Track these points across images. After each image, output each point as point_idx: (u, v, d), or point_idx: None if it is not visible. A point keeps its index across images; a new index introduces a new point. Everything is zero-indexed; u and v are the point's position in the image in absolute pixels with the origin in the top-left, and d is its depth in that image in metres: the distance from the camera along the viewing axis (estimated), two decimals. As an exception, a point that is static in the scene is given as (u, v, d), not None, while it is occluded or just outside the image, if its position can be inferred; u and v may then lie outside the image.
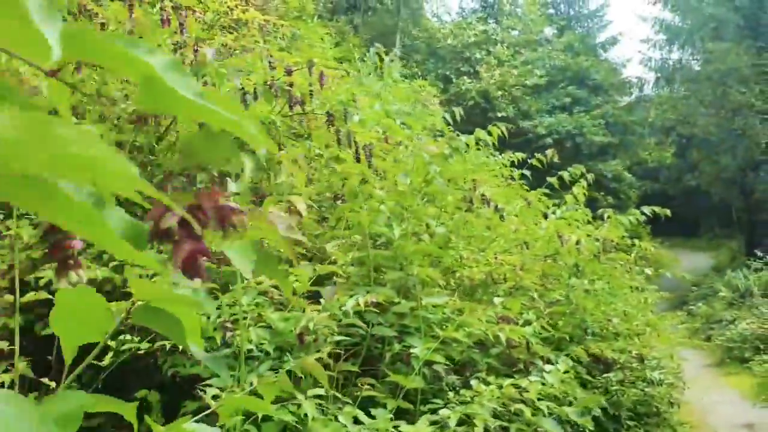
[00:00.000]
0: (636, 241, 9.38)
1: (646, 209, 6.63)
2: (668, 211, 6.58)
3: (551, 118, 21.97)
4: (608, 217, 7.68)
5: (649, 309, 9.68)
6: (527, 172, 6.71)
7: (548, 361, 3.59)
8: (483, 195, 4.45)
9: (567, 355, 4.87)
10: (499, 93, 21.63)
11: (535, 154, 6.13)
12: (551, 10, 30.35)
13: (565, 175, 6.17)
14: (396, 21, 24.67)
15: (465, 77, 22.06)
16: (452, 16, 27.66)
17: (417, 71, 21.99)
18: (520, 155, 8.46)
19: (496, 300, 3.57)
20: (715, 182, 27.63)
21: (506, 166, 8.78)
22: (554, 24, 29.35)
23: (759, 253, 18.78)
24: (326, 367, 2.45)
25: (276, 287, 2.63)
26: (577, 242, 4.61)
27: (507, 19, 24.59)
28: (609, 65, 28.59)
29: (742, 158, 23.03)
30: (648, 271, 7.38)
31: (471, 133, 9.54)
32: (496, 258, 4.26)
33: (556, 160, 6.14)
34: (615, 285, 7.12)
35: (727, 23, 23.83)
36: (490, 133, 4.79)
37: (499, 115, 21.54)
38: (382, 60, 6.12)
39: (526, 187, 7.47)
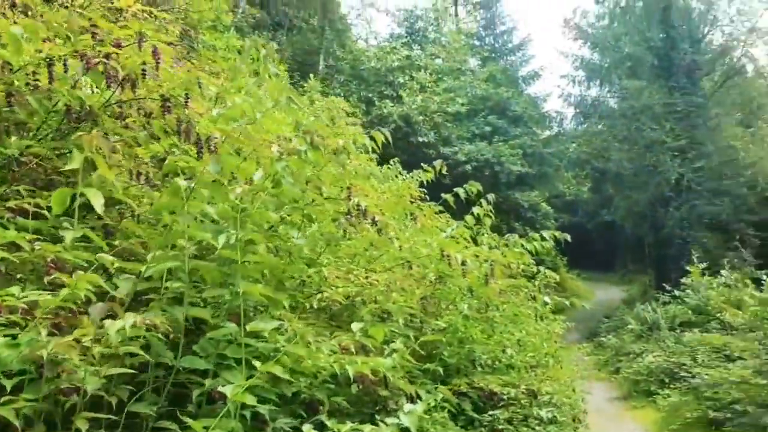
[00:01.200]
0: (541, 269, 9.08)
1: (546, 233, 6.31)
2: (567, 236, 6.28)
3: (471, 146, 21.96)
4: (513, 242, 7.31)
5: (553, 339, 9.36)
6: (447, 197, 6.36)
7: (412, 399, 3.05)
8: (359, 205, 3.90)
9: (450, 390, 4.35)
10: (421, 118, 21.46)
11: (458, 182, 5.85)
12: (476, 42, 30.78)
13: (461, 191, 5.72)
14: (321, 41, 24.30)
15: (388, 100, 21.81)
16: (378, 40, 27.56)
17: (339, 92, 21.62)
18: (429, 175, 8.01)
19: (355, 326, 3.00)
20: (628, 217, 28.40)
21: (411, 186, 8.35)
22: (478, 55, 29.74)
23: (667, 287, 19.14)
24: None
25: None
26: (463, 263, 4.12)
27: (431, 46, 24.62)
28: (530, 98, 29.13)
29: (653, 193, 23.69)
30: (547, 299, 6.99)
31: (393, 156, 8.91)
32: (367, 278, 3.70)
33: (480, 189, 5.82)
34: (515, 313, 6.72)
35: (642, 63, 24.72)
36: (373, 139, 4.26)
37: (421, 140, 21.39)
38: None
39: (438, 209, 7.02)
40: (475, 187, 5.81)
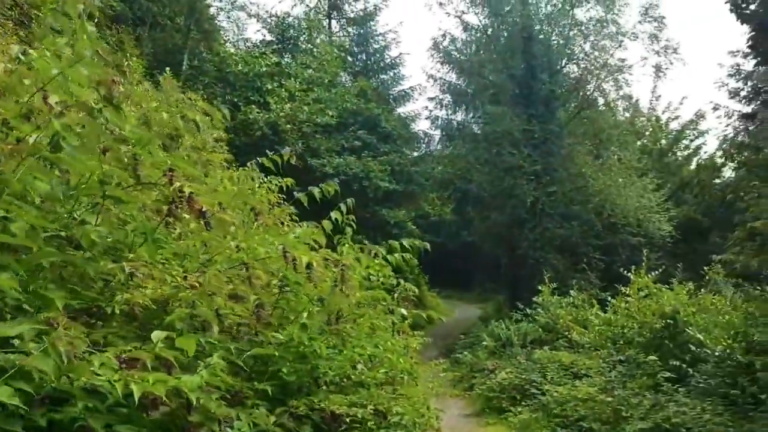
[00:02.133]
0: (400, 281, 8.75)
1: (406, 242, 5.99)
2: (427, 245, 6.05)
3: (340, 159, 21.61)
4: (375, 254, 6.95)
5: (410, 355, 9.03)
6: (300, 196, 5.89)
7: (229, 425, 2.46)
8: (181, 192, 3.26)
9: (286, 411, 3.78)
10: (289, 127, 20.81)
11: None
12: (348, 57, 30.70)
13: (316, 191, 5.24)
14: (186, 41, 23.02)
15: (254, 106, 20.96)
16: (248, 45, 26.59)
17: (203, 94, 20.46)
18: (290, 180, 7.48)
19: (156, 335, 2.36)
20: (486, 238, 29.39)
21: (272, 191, 7.72)
22: (350, 69, 29.67)
23: (520, 306, 19.79)
24: None
25: None
26: (308, 266, 3.58)
27: (302, 55, 24.11)
28: (400, 118, 29.43)
29: (510, 215, 24.59)
30: (404, 311, 6.65)
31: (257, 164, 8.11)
32: (186, 278, 3.06)
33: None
34: (371, 326, 6.31)
35: (504, 90, 25.76)
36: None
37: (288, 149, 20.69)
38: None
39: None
40: (332, 187, 5.35)
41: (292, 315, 4.33)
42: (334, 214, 5.73)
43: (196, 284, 2.98)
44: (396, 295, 8.45)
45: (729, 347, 10.27)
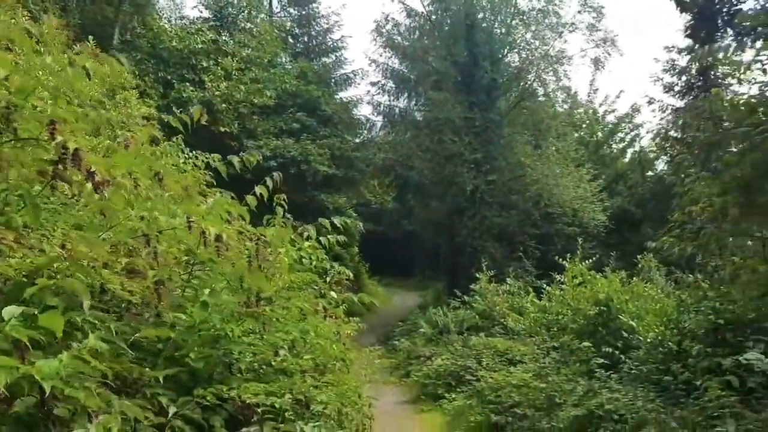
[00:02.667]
0: (334, 265, 8.42)
1: (337, 220, 5.63)
2: (360, 224, 5.75)
3: (278, 142, 20.99)
4: (307, 236, 6.58)
5: (342, 341, 8.70)
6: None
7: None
8: (65, 147, 2.79)
9: (189, 401, 3.37)
10: (224, 106, 20.04)
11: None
12: (290, 39, 29.96)
13: (235, 160, 4.80)
14: (117, 14, 21.86)
15: (188, 84, 20.08)
16: (185, 21, 25.49)
17: (135, 69, 19.47)
18: (217, 156, 6.94)
19: (7, 312, 1.93)
20: (427, 227, 29.35)
21: (199, 168, 7.22)
22: (290, 50, 28.96)
23: (458, 293, 19.75)
24: None
25: None
26: (218, 238, 3.17)
27: (241, 33, 23.26)
28: (342, 102, 28.92)
29: (450, 204, 24.56)
30: (334, 294, 6.33)
31: (193, 145, 7.59)
32: (64, 247, 2.60)
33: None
34: (299, 309, 5.93)
35: (447, 77, 25.62)
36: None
37: (223, 130, 19.98)
38: None
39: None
40: (254, 157, 4.92)
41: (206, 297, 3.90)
42: (258, 189, 5.30)
43: (73, 253, 2.53)
44: (329, 279, 8.11)
45: (661, 334, 10.36)
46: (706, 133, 5.81)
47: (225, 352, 3.67)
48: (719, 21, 22.57)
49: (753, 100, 5.44)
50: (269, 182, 5.40)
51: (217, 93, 19.78)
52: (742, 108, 5.42)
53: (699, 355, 8.17)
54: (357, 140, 29.81)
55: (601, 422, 8.21)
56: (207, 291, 3.45)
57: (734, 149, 5.40)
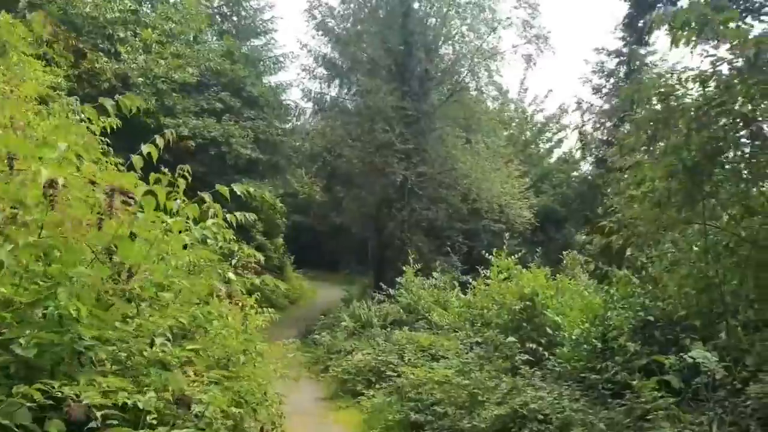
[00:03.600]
0: (242, 245, 7.65)
1: (238, 187, 4.89)
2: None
3: (198, 121, 19.76)
4: (214, 213, 5.80)
5: (251, 332, 7.93)
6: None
7: None
8: None
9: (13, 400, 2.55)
10: (141, 80, 18.68)
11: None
12: (217, 16, 28.60)
13: (108, 103, 3.94)
14: (25, -27, 20.01)
15: (102, 54, 18.58)
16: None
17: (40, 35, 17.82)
18: (116, 121, 5.98)
19: None
20: (356, 219, 28.71)
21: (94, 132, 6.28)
22: (217, 28, 27.60)
23: (383, 286, 19.18)
24: None
25: None
26: (52, 184, 2.38)
27: (164, 6, 21.82)
28: (271, 87, 27.80)
29: (379, 195, 23.99)
30: (232, 275, 5.61)
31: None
32: None
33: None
34: (194, 293, 5.16)
35: (380, 65, 25.00)
36: None
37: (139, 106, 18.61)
38: None
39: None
40: (135, 101, 4.06)
41: (57, 266, 3.07)
42: (146, 149, 4.44)
43: None
44: (234, 262, 7.28)
45: (586, 331, 10.08)
46: (649, 110, 5.40)
47: (72, 338, 2.87)
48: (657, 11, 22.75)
49: (704, 74, 5.05)
50: (159, 140, 4.57)
51: (134, 66, 18.39)
52: (693, 82, 5.03)
53: (631, 353, 7.83)
54: (285, 126, 28.76)
55: (524, 422, 7.77)
56: (26, 258, 2.62)
57: (682, 128, 5.01)
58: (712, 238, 6.57)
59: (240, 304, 6.85)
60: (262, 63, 28.95)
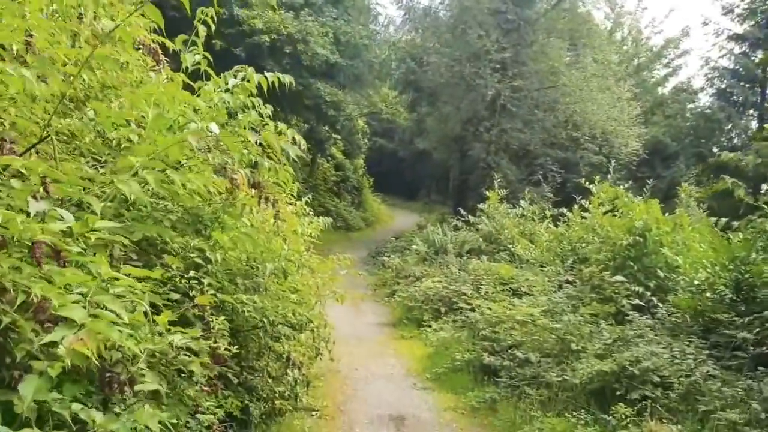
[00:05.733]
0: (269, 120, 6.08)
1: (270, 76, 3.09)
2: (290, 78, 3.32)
3: (274, 14, 17.95)
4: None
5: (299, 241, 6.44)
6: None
7: None
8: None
9: None
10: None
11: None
12: None
13: None
14: None
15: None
16: None
17: None
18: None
19: None
20: (440, 143, 26.71)
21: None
22: None
23: (463, 212, 17.26)
24: None
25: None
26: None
27: None
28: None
29: (466, 112, 21.66)
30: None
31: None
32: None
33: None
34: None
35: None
36: None
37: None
38: None
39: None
40: None
41: None
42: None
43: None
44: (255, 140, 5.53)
45: (715, 275, 7.93)
46: None
47: None
48: None
49: None
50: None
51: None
52: None
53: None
54: (372, 27, 26.47)
55: (633, 383, 5.87)
56: None
57: None
58: None
59: (271, 199, 5.17)
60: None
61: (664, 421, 5.09)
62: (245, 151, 4.81)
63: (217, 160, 4.59)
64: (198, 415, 3.40)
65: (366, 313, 13.20)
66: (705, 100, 27.89)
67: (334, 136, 24.75)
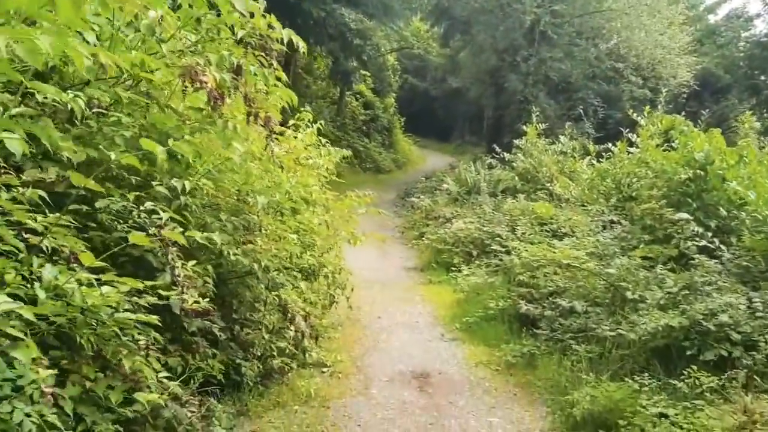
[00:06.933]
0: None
1: None
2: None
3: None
4: None
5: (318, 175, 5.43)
6: None
7: None
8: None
9: None
10: None
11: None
12: None
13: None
14: None
15: None
16: None
17: None
18: None
19: None
20: (474, 80, 25.25)
21: None
22: None
23: (497, 149, 16.06)
24: None
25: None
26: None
27: None
28: None
29: (502, 41, 20.09)
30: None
31: None
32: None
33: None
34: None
35: None
36: None
37: None
38: None
39: None
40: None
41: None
42: None
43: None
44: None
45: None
46: None
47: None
48: None
49: None
50: None
51: None
52: None
53: None
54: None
55: (707, 340, 4.84)
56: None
57: None
58: None
59: (262, 114, 4.19)
60: None
61: (762, 396, 4.06)
62: (225, 53, 3.80)
63: (185, 60, 3.59)
64: (137, 394, 2.52)
65: (392, 257, 12.34)
66: (761, 27, 25.64)
67: (362, 71, 23.40)
